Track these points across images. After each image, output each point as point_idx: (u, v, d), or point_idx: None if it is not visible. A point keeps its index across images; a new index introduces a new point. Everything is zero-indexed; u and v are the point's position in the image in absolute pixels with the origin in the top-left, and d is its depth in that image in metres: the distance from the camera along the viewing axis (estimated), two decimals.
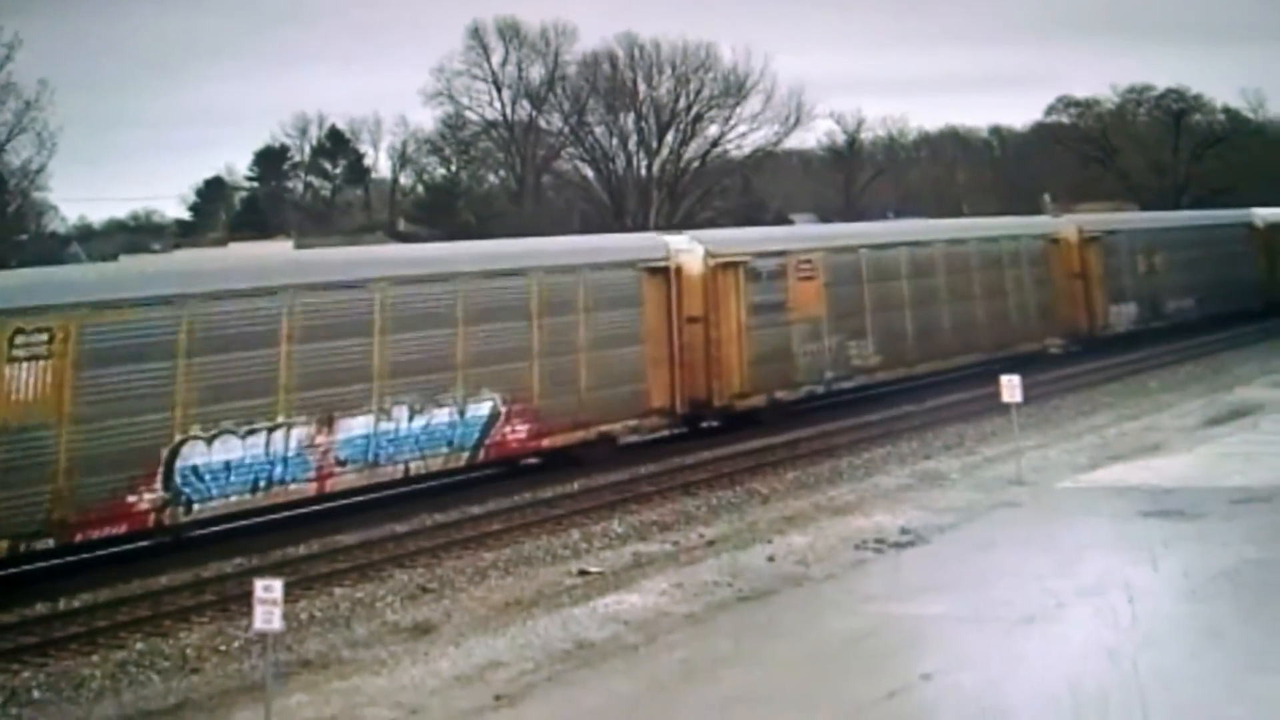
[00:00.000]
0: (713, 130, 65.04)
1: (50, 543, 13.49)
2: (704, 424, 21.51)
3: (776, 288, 22.18)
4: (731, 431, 21.11)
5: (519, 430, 17.88)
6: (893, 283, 24.74)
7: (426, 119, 76.02)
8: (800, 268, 22.70)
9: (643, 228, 52.34)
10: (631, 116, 64.48)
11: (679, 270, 20.54)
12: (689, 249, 21.14)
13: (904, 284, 24.99)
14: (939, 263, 26.22)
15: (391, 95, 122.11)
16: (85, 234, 69.40)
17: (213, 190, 75.65)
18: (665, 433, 20.76)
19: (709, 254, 21.17)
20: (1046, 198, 57.25)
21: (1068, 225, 31.52)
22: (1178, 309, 33.54)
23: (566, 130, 66.40)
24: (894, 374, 24.71)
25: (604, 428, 19.09)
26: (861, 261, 24.19)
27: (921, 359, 25.38)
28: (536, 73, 66.13)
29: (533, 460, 18.71)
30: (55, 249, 55.41)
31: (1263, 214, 39.55)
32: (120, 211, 78.62)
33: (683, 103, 64.23)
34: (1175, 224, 36.97)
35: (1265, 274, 37.97)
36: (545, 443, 18.28)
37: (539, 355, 18.19)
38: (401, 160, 73.71)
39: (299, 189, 77.23)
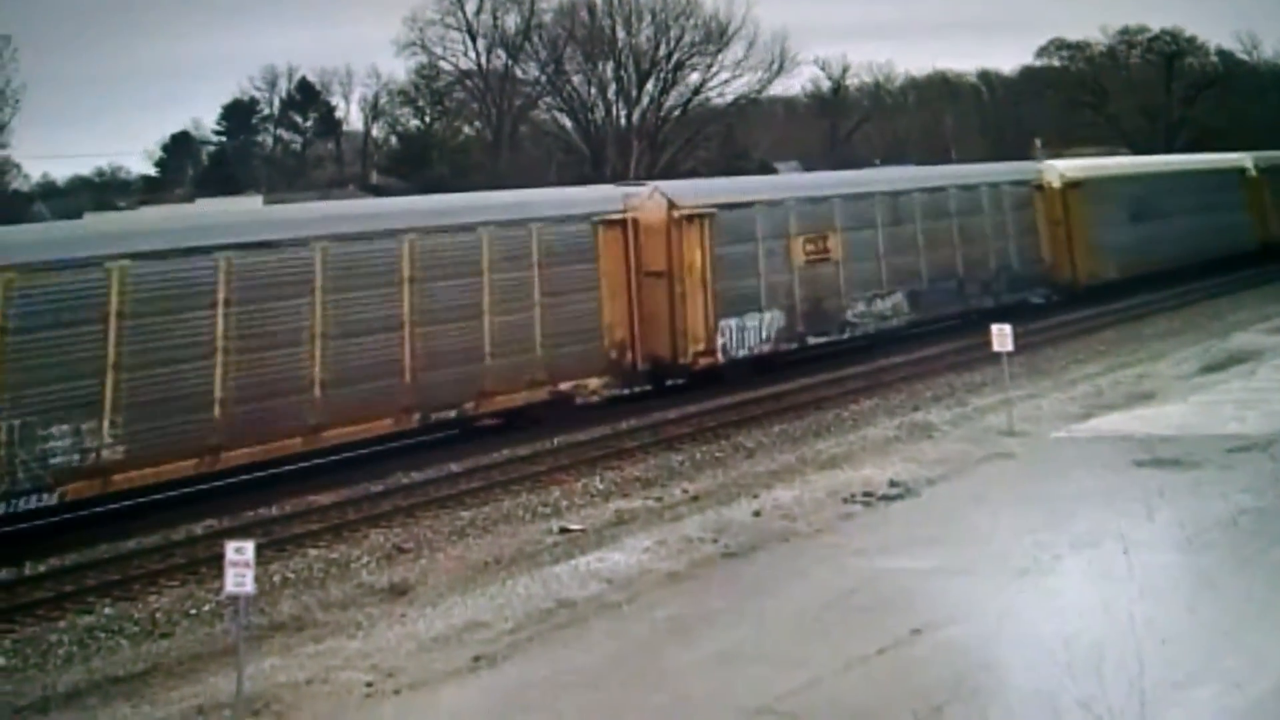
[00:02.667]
0: (694, 78, 64.35)
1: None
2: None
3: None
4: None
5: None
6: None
7: (399, 69, 75.02)
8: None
9: (622, 178, 51.77)
10: (610, 65, 63.65)
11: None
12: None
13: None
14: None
15: (363, 46, 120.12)
16: (49, 191, 68.36)
17: (179, 146, 74.47)
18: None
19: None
20: (1037, 142, 56.89)
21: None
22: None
23: (543, 80, 65.53)
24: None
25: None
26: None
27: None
28: (512, 21, 65.14)
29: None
30: (19, 207, 54.54)
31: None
32: (85, 168, 77.36)
33: (663, 50, 63.43)
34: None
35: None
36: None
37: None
38: (374, 112, 72.74)
39: (269, 143, 76.16)
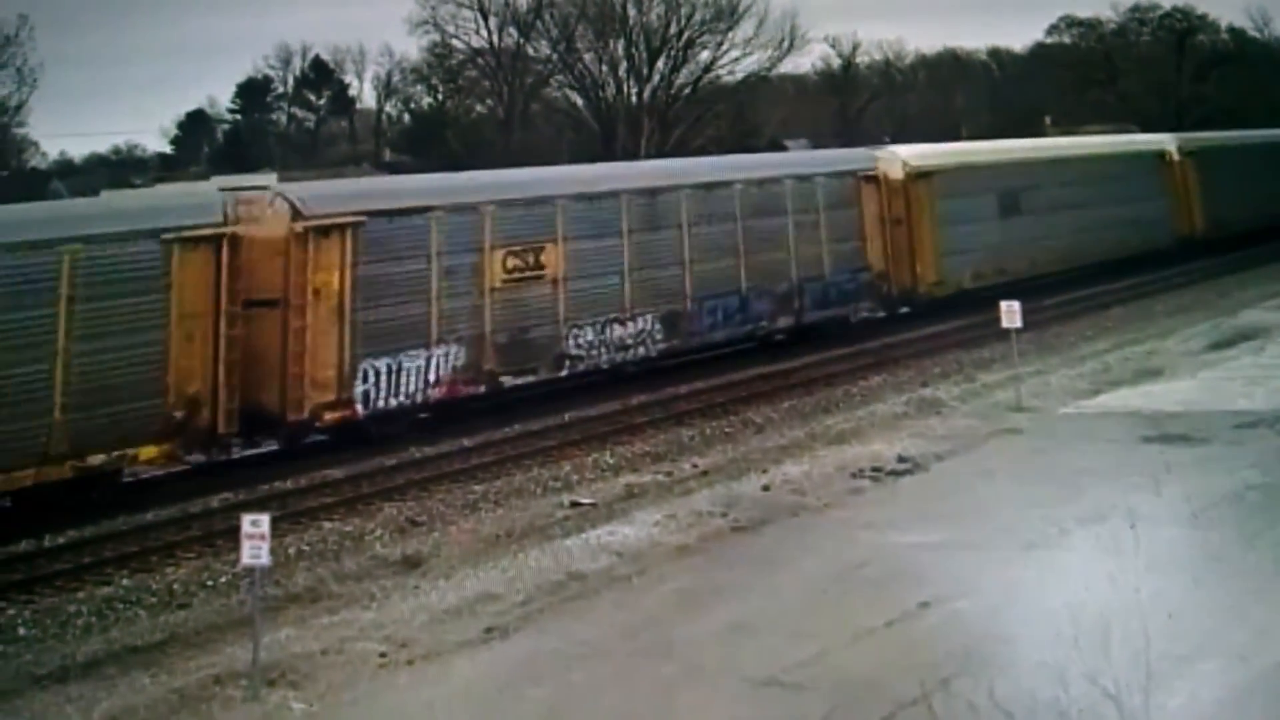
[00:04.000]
0: (704, 56, 64.08)
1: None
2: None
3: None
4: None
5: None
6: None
7: (411, 48, 75.03)
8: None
9: (633, 156, 51.69)
10: (622, 43, 63.42)
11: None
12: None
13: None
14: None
15: (376, 24, 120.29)
16: (66, 169, 68.50)
17: (195, 124, 74.60)
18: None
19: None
20: (1047, 120, 56.59)
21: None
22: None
23: (555, 58, 65.34)
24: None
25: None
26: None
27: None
28: None
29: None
30: (37, 185, 54.73)
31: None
32: (101, 146, 77.59)
33: (674, 28, 63.13)
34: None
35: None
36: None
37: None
38: (387, 90, 72.74)
39: (282, 121, 76.16)
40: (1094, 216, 28.88)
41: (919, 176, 24.94)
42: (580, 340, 18.84)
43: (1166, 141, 33.97)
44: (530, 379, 18.23)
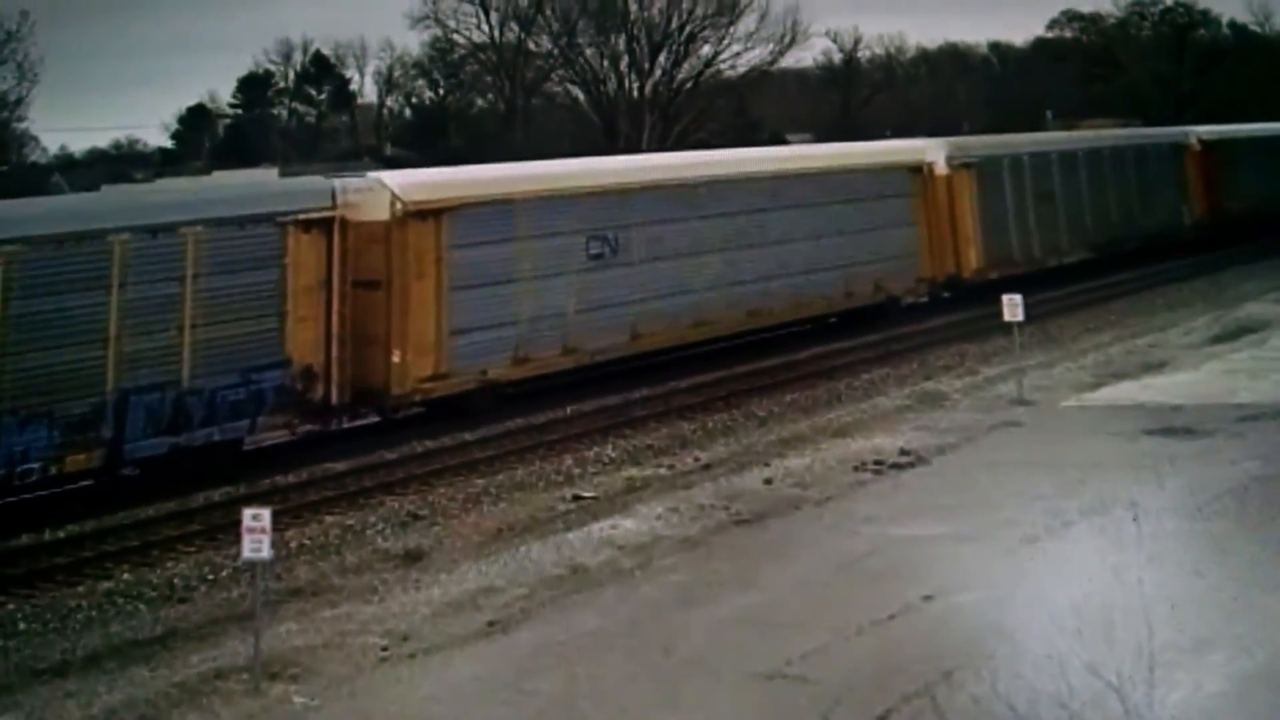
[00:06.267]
0: (706, 50, 63.97)
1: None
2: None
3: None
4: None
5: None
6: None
7: (413, 42, 74.85)
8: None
9: (635, 150, 51.60)
10: (623, 37, 63.34)
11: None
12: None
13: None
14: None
15: (377, 19, 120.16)
16: (67, 164, 68.48)
17: (196, 118, 74.55)
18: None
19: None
20: (1049, 115, 56.50)
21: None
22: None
23: (556, 52, 65.27)
24: None
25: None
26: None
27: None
28: None
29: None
30: (37, 179, 54.72)
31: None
32: (102, 141, 77.55)
33: (675, 22, 63.04)
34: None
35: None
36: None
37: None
38: (388, 85, 72.71)
39: (283, 116, 76.12)
40: (769, 259, 20.86)
41: (420, 216, 16.25)
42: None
43: (930, 150, 25.10)
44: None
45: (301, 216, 15.32)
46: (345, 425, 16.44)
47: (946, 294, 25.22)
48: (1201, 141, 34.07)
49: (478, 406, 17.01)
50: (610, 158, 27.26)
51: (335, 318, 15.37)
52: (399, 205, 16.24)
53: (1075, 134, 36.89)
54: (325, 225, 15.51)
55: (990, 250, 25.80)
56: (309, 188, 16.82)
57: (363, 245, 15.90)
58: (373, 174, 17.85)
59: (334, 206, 15.70)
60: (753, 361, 20.49)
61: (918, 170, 24.63)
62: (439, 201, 16.82)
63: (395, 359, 16.00)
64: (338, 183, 16.25)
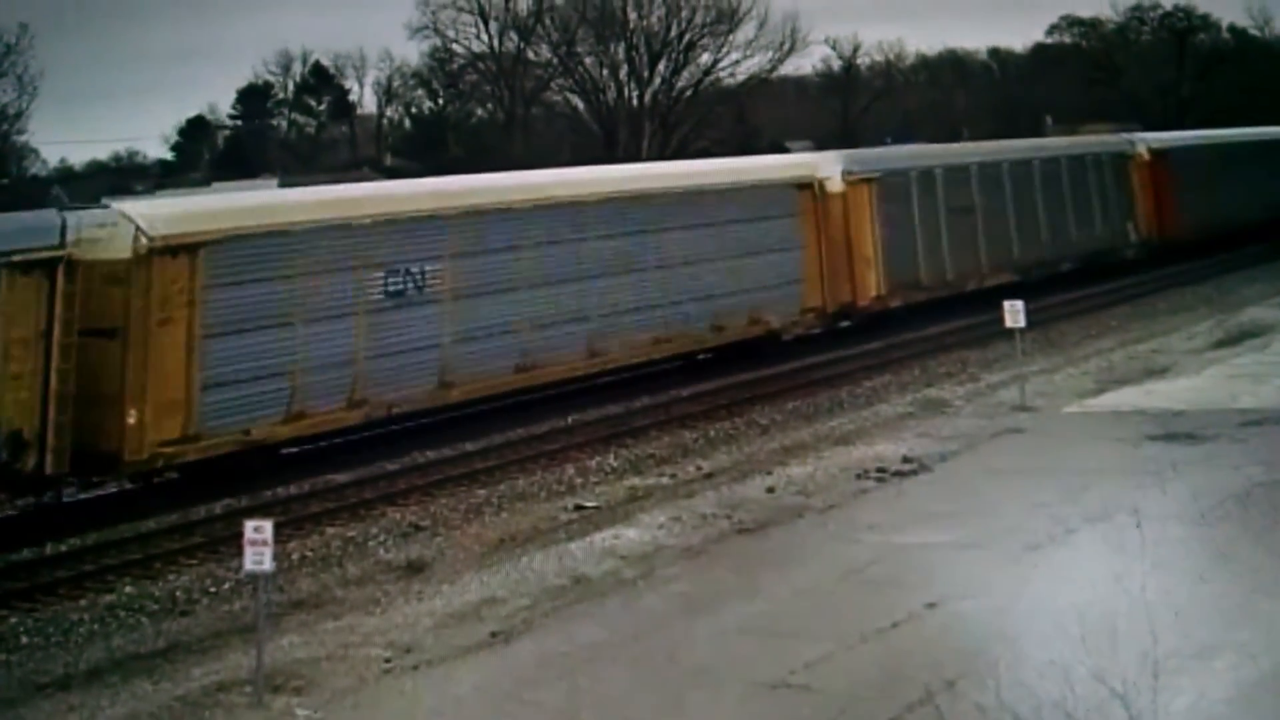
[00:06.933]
0: (705, 59, 64.22)
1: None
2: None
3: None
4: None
5: None
6: None
7: (412, 53, 75.03)
8: None
9: (635, 159, 51.68)
10: (622, 46, 63.53)
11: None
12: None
13: None
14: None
15: (376, 29, 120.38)
16: (66, 176, 68.60)
17: (195, 130, 74.72)
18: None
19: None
20: (1048, 120, 56.55)
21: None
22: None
23: (556, 61, 65.42)
24: None
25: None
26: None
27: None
28: (524, 3, 65.06)
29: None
30: (38, 191, 54.83)
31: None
32: (102, 153, 77.70)
33: (674, 31, 63.27)
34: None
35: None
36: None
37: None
38: (387, 95, 72.85)
39: (283, 127, 76.26)
40: (617, 291, 18.52)
41: (170, 252, 14.21)
42: None
43: (824, 164, 22.82)
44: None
45: (17, 258, 13.08)
46: (80, 498, 14.55)
47: (846, 323, 22.75)
48: (1151, 150, 31.55)
49: (246, 469, 14.66)
50: (426, 180, 22.70)
51: (54, 375, 13.08)
52: (144, 240, 13.93)
53: (1002, 143, 31.91)
54: (47, 267, 13.21)
55: (893, 275, 23.12)
56: (27, 224, 14.14)
57: (98, 288, 13.72)
58: (120, 204, 15.56)
59: (61, 245, 13.41)
60: (754, 370, 20.47)
61: (806, 186, 21.87)
62: (196, 235, 14.36)
63: (131, 420, 13.61)
64: (73, 217, 14.03)
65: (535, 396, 17.99)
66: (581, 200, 18.55)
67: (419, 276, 16.24)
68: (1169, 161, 31.74)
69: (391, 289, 15.99)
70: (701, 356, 20.50)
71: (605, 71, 64.17)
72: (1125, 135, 33.67)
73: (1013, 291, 22.42)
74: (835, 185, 22.37)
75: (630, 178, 21.26)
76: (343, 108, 75.66)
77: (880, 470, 13.91)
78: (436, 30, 65.46)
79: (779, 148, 57.77)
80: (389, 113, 74.10)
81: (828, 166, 22.72)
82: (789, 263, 21.29)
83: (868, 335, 22.51)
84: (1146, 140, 32.40)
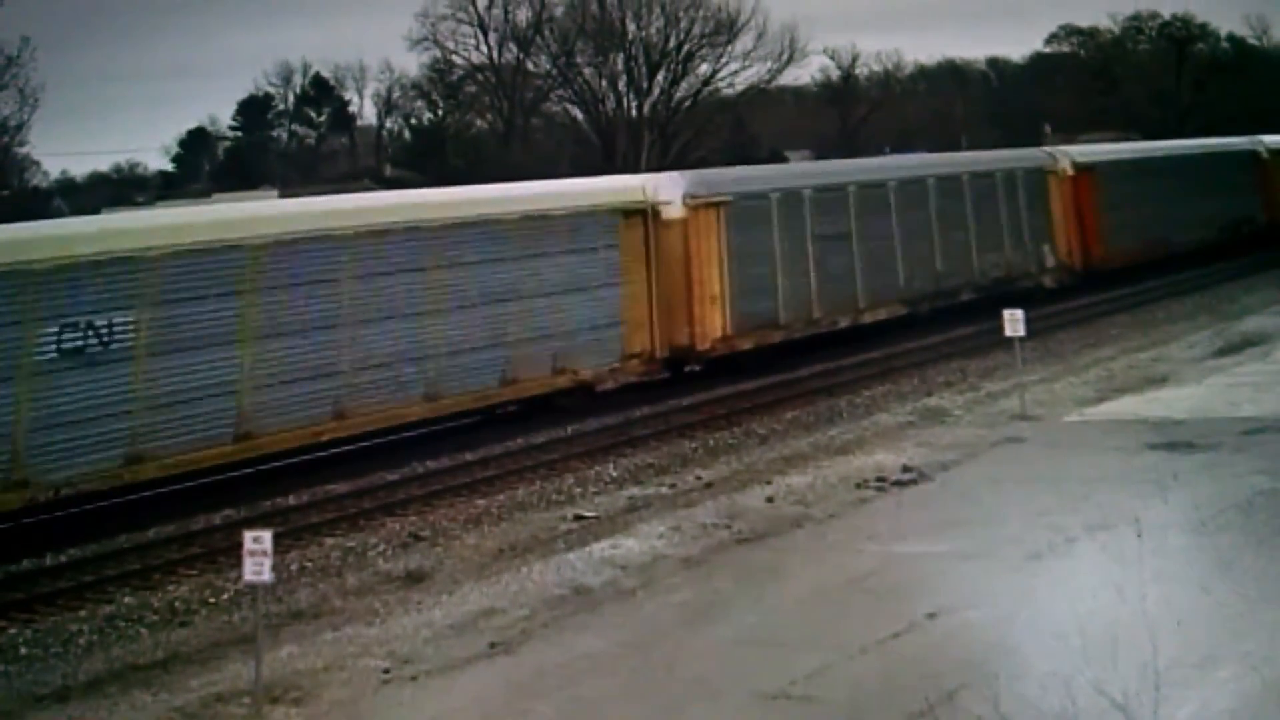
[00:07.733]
0: (704, 69, 64.41)
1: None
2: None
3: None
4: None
5: None
6: None
7: (411, 64, 75.36)
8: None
9: (634, 169, 51.74)
10: (621, 57, 63.69)
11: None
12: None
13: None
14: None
15: (375, 41, 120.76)
16: (67, 188, 68.77)
17: (196, 141, 74.97)
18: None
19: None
20: (1047, 129, 56.65)
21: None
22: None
23: (555, 72, 65.58)
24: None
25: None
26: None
27: None
28: (523, 14, 65.30)
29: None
30: (38, 204, 54.91)
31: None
32: (103, 165, 77.95)
33: (673, 42, 63.44)
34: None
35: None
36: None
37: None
38: (387, 106, 73.09)
39: (283, 138, 76.44)
40: (373, 341, 16.02)
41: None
42: None
43: (663, 187, 20.20)
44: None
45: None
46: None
47: (692, 367, 20.17)
48: (1076, 165, 27.98)
49: None
50: (128, 212, 19.51)
51: None
52: None
53: (889, 159, 29.08)
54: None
55: (743, 313, 20.28)
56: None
57: None
58: None
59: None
60: (753, 379, 20.46)
61: (635, 213, 19.14)
62: None
63: None
64: None
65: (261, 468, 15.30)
66: (333, 234, 15.63)
67: (104, 332, 13.55)
68: (1096, 176, 28.39)
69: (66, 347, 13.32)
70: (504, 410, 17.75)
71: (604, 82, 64.35)
72: (1048, 149, 30.87)
73: (900, 326, 23.34)
74: (674, 211, 19.72)
75: (393, 207, 17.76)
76: (343, 119, 75.90)
77: (880, 480, 13.88)
78: (436, 42, 65.72)
79: (778, 157, 57.95)
80: (389, 124, 74.42)
81: (667, 189, 20.00)
82: (606, 302, 18.55)
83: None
84: (1070, 153, 29.22)
